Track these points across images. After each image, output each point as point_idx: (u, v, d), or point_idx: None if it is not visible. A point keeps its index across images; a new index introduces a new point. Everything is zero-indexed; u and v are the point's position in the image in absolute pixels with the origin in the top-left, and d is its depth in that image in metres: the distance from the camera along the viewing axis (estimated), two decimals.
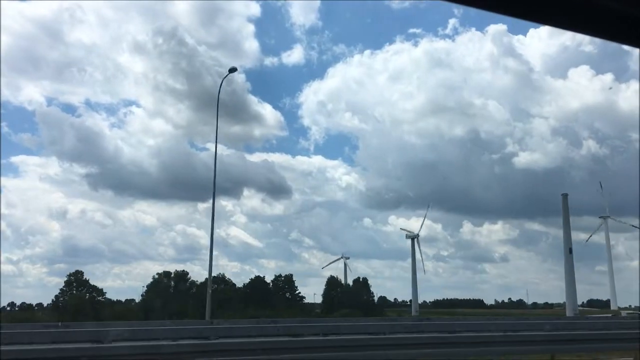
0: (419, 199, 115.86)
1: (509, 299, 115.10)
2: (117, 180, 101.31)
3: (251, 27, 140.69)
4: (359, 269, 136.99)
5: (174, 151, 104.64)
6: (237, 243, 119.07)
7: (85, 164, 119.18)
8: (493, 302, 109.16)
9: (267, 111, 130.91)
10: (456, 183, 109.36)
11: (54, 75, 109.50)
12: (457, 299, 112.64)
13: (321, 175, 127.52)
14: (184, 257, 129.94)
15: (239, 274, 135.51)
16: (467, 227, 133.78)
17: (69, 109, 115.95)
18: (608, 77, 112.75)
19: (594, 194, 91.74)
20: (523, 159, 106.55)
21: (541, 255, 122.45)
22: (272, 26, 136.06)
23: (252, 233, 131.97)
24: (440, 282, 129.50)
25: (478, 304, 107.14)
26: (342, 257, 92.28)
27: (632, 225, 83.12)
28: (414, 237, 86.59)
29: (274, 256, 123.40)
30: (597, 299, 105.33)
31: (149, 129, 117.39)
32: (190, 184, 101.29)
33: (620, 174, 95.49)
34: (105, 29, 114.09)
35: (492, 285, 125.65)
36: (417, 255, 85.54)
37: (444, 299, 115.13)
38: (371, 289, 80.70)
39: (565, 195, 61.83)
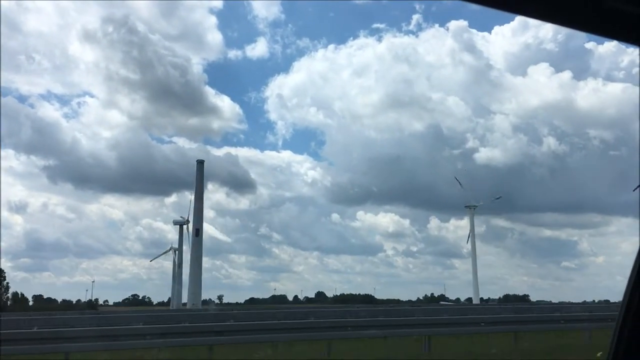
0: (384, 194, 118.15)
1: (431, 294, 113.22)
2: (77, 173, 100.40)
3: (213, 20, 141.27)
4: (330, 264, 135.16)
5: (133, 143, 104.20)
6: (205, 238, 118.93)
7: (43, 156, 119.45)
8: (454, 298, 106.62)
9: (226, 104, 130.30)
10: (420, 178, 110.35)
11: (5, 65, 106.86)
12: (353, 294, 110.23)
13: (289, 171, 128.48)
14: (152, 251, 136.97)
15: (209, 270, 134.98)
16: (434, 222, 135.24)
17: (22, 99, 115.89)
18: (566, 75, 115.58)
19: (555, 190, 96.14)
20: (484, 154, 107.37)
21: (508, 251, 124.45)
22: (234, 19, 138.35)
23: (221, 228, 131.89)
24: (411, 278, 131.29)
25: (368, 299, 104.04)
26: (170, 249, 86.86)
27: (496, 199, 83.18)
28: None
29: (244, 251, 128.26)
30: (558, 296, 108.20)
31: (104, 120, 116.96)
32: (153, 177, 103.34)
33: (579, 171, 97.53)
34: (58, 17, 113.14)
35: (461, 281, 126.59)
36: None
37: (341, 294, 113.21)
38: None
39: (201, 162, 64.08)
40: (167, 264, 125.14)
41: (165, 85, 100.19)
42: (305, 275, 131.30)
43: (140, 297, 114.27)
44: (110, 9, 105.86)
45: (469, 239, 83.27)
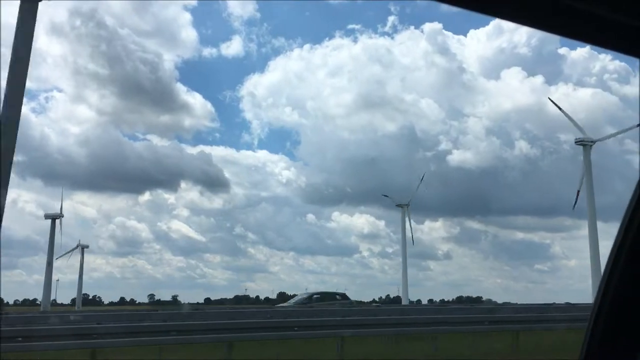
0: (359, 196, 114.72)
1: (387, 296, 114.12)
2: (47, 170, 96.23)
3: (188, 16, 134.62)
4: (306, 264, 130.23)
5: (104, 140, 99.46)
6: (179, 237, 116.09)
7: None
8: (427, 299, 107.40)
9: (197, 101, 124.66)
10: (395, 180, 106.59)
11: None
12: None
13: (264, 170, 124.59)
14: (125, 250, 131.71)
15: (184, 269, 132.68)
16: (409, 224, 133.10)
17: None
18: (538, 80, 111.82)
19: (528, 193, 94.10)
20: (457, 157, 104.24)
21: (482, 253, 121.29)
22: (209, 16, 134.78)
23: (195, 227, 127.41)
24: (387, 279, 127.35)
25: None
26: (78, 246, 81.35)
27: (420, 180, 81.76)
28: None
29: (219, 251, 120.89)
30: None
31: (73, 115, 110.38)
32: (126, 175, 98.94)
33: (550, 175, 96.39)
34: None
35: (437, 283, 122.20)
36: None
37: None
38: None
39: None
40: (141, 262, 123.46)
41: (135, 81, 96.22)
42: (281, 275, 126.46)
43: (90, 297, 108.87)
44: (79, 2, 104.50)
45: (412, 238, 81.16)
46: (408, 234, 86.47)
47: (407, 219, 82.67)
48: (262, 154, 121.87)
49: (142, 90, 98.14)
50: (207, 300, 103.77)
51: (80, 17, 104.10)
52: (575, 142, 64.10)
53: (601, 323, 1.68)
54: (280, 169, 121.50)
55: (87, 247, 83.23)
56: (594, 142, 63.64)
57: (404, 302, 76.25)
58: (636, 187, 1.56)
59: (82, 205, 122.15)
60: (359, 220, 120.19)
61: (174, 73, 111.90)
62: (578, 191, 62.21)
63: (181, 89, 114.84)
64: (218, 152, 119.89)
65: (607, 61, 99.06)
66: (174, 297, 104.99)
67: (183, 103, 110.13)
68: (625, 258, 1.62)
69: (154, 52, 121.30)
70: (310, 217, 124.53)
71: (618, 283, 1.65)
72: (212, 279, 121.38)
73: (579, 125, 63.13)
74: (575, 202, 63.22)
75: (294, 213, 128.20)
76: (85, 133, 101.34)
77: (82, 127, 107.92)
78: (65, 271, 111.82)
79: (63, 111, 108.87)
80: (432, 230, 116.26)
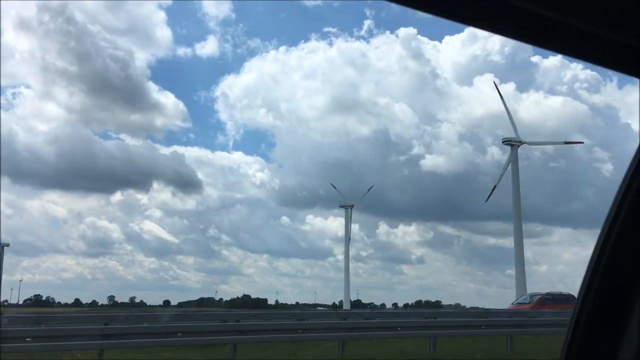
0: (333, 199, 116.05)
1: (340, 301, 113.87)
2: (14, 168, 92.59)
3: (162, 15, 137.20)
4: (280, 267, 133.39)
5: (74, 138, 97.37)
6: (151, 238, 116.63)
7: None
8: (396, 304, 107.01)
9: (169, 100, 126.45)
10: (368, 183, 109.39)
11: None
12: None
13: (238, 172, 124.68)
14: (96, 250, 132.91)
15: (157, 270, 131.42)
16: (383, 228, 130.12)
17: None
18: (510, 87, 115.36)
19: (499, 199, 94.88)
20: (430, 161, 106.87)
21: (455, 258, 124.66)
22: (183, 16, 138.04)
23: (167, 228, 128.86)
24: (361, 283, 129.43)
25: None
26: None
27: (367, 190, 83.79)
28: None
29: (193, 253, 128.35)
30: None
31: (41, 112, 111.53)
32: (96, 174, 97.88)
33: (521, 181, 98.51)
34: None
35: (410, 287, 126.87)
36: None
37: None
38: None
39: None
40: (112, 263, 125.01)
41: (105, 78, 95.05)
42: (255, 278, 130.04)
43: (44, 298, 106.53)
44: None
45: (349, 239, 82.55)
46: (351, 235, 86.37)
47: (350, 221, 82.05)
48: (238, 156, 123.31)
49: (112, 88, 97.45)
50: (166, 302, 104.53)
51: (49, 12, 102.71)
52: (503, 142, 63.93)
53: (581, 328, 1.69)
54: (254, 171, 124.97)
55: (7, 245, 77.51)
56: (522, 143, 63.44)
57: (345, 306, 76.55)
58: (617, 192, 1.57)
59: (53, 205, 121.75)
60: (333, 224, 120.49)
61: (145, 71, 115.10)
62: (494, 186, 61.78)
63: (153, 88, 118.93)
64: (193, 152, 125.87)
65: (578, 70, 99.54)
66: (132, 299, 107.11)
67: (154, 102, 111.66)
68: (606, 263, 1.64)
69: (125, 50, 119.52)
70: (285, 219, 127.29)
71: (598, 287, 1.66)
72: (186, 281, 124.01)
73: (514, 124, 62.93)
74: (489, 196, 62.83)
75: (268, 215, 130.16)
76: (54, 131, 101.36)
77: (51, 124, 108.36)
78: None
79: (31, 108, 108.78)
80: (406, 235, 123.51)
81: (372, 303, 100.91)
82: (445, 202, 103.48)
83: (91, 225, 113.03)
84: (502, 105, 60.80)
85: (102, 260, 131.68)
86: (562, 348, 1.68)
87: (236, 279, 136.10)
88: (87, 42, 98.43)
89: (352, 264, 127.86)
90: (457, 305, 77.52)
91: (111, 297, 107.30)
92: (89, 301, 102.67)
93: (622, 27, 1.26)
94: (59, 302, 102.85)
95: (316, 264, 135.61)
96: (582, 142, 76.28)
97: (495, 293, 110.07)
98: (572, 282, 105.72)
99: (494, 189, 63.40)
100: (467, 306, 73.57)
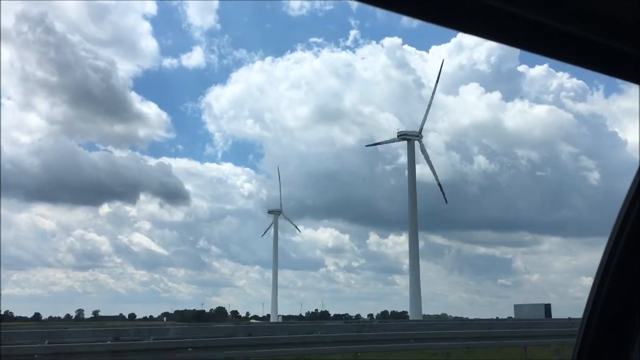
0: (321, 209, 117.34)
1: (316, 309, 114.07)
2: None
3: (147, 26, 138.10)
4: (272, 278, 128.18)
5: (58, 150, 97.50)
6: (141, 250, 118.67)
7: None
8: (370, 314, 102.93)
9: (152, 111, 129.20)
10: (356, 193, 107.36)
11: None
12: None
13: (227, 183, 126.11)
14: (85, 264, 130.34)
15: (148, 283, 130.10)
16: (373, 238, 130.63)
17: None
18: (496, 96, 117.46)
19: (488, 208, 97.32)
20: (417, 171, 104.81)
21: (447, 268, 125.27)
22: (169, 26, 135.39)
23: (157, 240, 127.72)
24: (354, 294, 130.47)
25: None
26: None
27: (295, 226, 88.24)
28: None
29: (183, 265, 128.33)
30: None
31: (22, 123, 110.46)
32: (82, 186, 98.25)
33: (509, 190, 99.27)
34: None
35: (402, 297, 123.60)
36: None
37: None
38: None
39: None
40: (103, 276, 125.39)
41: (85, 88, 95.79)
42: (247, 289, 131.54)
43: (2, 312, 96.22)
44: (28, 7, 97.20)
45: (273, 244, 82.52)
46: (281, 242, 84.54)
47: (276, 227, 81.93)
48: (227, 167, 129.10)
49: (93, 98, 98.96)
50: (132, 315, 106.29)
51: (28, 22, 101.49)
52: (398, 135, 61.22)
53: (591, 333, 1.70)
54: (242, 182, 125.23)
55: None
56: (420, 136, 60.84)
57: (273, 318, 75.39)
58: (625, 197, 1.60)
59: (42, 218, 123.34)
60: (323, 235, 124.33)
61: (127, 82, 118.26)
62: (439, 184, 58.80)
63: (135, 98, 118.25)
64: (181, 164, 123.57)
65: (564, 79, 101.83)
66: (95, 313, 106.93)
67: (137, 113, 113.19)
68: (615, 267, 1.66)
69: (106, 60, 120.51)
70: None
71: (608, 292, 1.67)
72: (177, 294, 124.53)
73: (426, 117, 60.49)
74: (443, 195, 59.60)
75: (258, 227, 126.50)
76: (37, 142, 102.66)
77: (34, 136, 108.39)
78: None
79: (12, 119, 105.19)
80: (396, 245, 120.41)
81: (347, 314, 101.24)
82: (433, 212, 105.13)
83: (80, 238, 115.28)
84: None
85: (92, 273, 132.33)
86: (572, 354, 1.73)
87: (228, 290, 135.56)
88: (67, 52, 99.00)
89: (344, 274, 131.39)
90: (443, 316, 77.36)
91: (80, 311, 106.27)
92: (49, 316, 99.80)
93: (622, 34, 1.30)
94: (19, 316, 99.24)
95: (308, 275, 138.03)
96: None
97: (487, 302, 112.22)
98: (563, 291, 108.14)
99: (440, 187, 60.42)
100: (453, 316, 75.77)
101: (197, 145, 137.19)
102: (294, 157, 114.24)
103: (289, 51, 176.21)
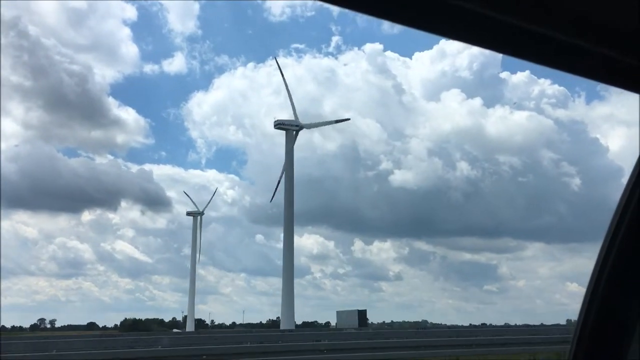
0: (305, 215, 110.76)
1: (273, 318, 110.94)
2: None
3: (127, 31, 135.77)
4: (258, 286, 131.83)
5: (35, 155, 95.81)
6: (124, 258, 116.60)
7: None
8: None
9: (131, 116, 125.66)
10: (340, 199, 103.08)
11: None
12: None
13: (210, 190, 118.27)
14: (68, 272, 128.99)
15: (132, 291, 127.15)
16: (358, 244, 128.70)
17: None
18: (477, 102, 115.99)
19: (471, 214, 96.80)
20: (399, 177, 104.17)
21: (432, 274, 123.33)
22: (149, 32, 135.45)
23: (141, 247, 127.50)
24: (340, 301, 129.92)
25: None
26: None
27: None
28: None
29: (168, 272, 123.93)
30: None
31: None
32: (62, 193, 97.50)
33: (492, 196, 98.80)
34: None
35: (389, 304, 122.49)
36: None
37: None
38: None
39: None
40: (86, 284, 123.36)
41: (61, 93, 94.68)
42: (233, 297, 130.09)
43: None
44: (1, 11, 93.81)
45: (198, 251, 79.56)
46: (200, 245, 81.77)
47: (199, 229, 79.86)
48: (212, 174, 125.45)
49: (69, 103, 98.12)
50: (91, 324, 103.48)
51: (1, 25, 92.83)
52: (275, 126, 55.90)
53: (586, 335, 1.69)
54: (225, 189, 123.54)
55: None
56: (299, 127, 55.42)
57: (189, 327, 72.66)
58: (620, 199, 1.60)
59: (24, 225, 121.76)
60: (308, 241, 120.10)
61: (104, 87, 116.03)
62: (279, 182, 53.55)
63: (113, 104, 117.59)
64: (165, 170, 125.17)
65: (546, 85, 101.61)
66: (52, 322, 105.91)
67: (115, 118, 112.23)
68: (610, 270, 1.65)
69: (82, 64, 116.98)
70: (259, 237, 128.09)
71: (603, 294, 1.67)
72: (163, 302, 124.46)
73: (294, 107, 56.09)
74: (273, 194, 55.10)
75: (242, 233, 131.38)
76: (13, 148, 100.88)
77: (9, 141, 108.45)
78: None
79: None
80: (382, 251, 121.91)
81: (316, 322, 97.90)
82: (417, 218, 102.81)
83: (62, 246, 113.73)
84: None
85: (76, 281, 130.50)
86: (567, 356, 1.70)
87: (214, 298, 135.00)
88: (40, 56, 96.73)
89: (330, 281, 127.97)
90: (423, 323, 74.84)
91: (42, 320, 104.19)
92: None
93: (616, 42, 1.28)
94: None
95: (295, 283, 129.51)
96: (349, 119, 71.10)
97: (474, 309, 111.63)
98: (549, 297, 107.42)
99: (278, 185, 55.02)
100: (432, 323, 73.80)
101: (179, 151, 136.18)
102: (274, 163, 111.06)
103: (271, 57, 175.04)
